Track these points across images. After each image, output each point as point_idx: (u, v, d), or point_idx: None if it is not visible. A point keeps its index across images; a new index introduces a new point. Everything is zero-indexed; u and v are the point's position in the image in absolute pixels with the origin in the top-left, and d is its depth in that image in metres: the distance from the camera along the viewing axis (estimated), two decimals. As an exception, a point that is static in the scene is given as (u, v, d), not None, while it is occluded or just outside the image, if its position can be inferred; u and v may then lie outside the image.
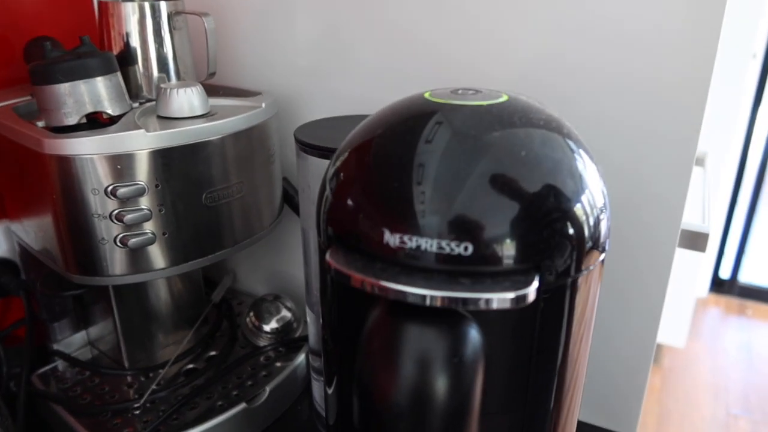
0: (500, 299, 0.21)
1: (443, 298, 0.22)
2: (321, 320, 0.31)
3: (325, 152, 0.38)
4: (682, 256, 1.65)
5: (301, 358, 0.55)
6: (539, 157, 0.24)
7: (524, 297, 0.22)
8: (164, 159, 0.40)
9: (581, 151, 0.26)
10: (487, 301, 0.21)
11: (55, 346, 0.53)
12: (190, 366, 0.53)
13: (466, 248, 0.22)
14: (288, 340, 0.56)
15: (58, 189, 0.38)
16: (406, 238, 0.23)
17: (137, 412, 0.47)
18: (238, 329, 0.58)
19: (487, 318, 0.23)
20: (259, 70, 0.54)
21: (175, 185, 0.41)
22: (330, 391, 0.31)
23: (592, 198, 0.25)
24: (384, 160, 0.24)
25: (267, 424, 0.51)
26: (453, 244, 0.22)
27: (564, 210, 0.23)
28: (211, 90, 0.48)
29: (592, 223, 0.25)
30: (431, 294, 0.22)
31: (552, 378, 0.26)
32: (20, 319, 0.55)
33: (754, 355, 2.16)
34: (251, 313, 0.56)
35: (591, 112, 0.42)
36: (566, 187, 0.24)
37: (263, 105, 0.46)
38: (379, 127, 0.26)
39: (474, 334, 0.23)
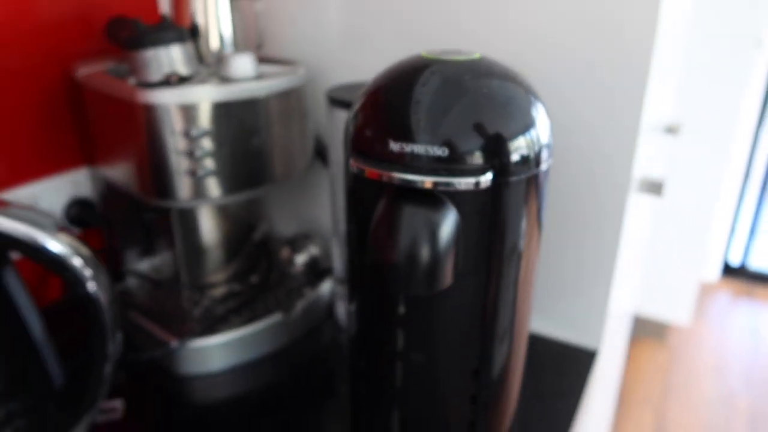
0: (466, 183, 0.32)
1: (429, 182, 0.32)
2: (347, 224, 0.42)
3: (349, 105, 0.49)
4: (686, 237, 1.76)
5: (327, 285, 0.66)
6: (496, 95, 0.34)
7: (481, 183, 0.32)
8: (223, 109, 0.51)
9: (528, 94, 0.36)
10: (458, 183, 0.32)
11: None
12: (236, 288, 0.65)
13: (444, 151, 0.33)
14: (317, 270, 0.67)
15: (144, 131, 0.50)
16: (404, 145, 0.33)
17: (196, 316, 0.59)
18: (274, 263, 0.69)
19: (458, 200, 0.34)
20: (298, 45, 0.65)
21: (231, 131, 0.52)
22: (352, 307, 0.41)
23: (532, 124, 0.35)
24: (390, 95, 0.35)
25: (298, 335, 0.62)
26: (435, 149, 0.33)
27: (513, 130, 0.34)
28: (260, 59, 0.59)
29: (534, 143, 0.35)
30: (421, 179, 0.32)
31: (508, 249, 0.36)
32: (100, 248, 0.68)
33: (759, 337, 2.22)
34: (286, 248, 0.68)
35: (561, 78, 0.52)
36: (513, 115, 0.34)
37: (300, 71, 0.57)
38: (388, 75, 0.37)
39: (450, 211, 0.34)
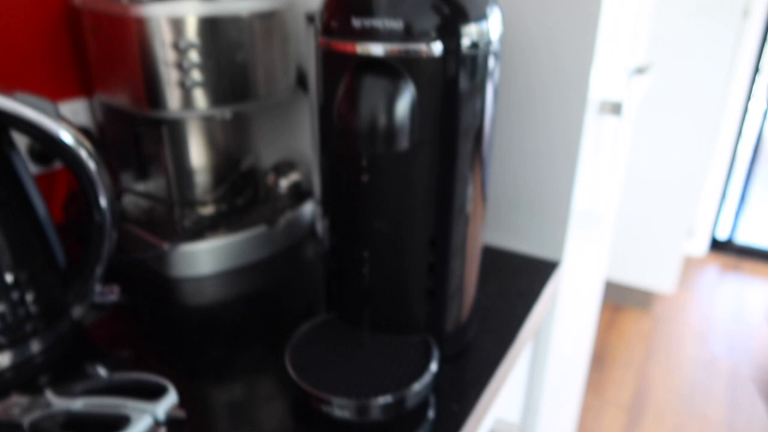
0: (421, 50, 0.37)
1: (385, 49, 0.37)
2: (318, 106, 0.46)
3: (325, 17, 0.53)
4: (672, 208, 1.83)
5: (309, 206, 0.70)
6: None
7: (431, 50, 0.37)
8: (209, 25, 0.55)
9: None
10: (415, 51, 0.37)
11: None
12: (224, 208, 0.69)
13: (399, 23, 0.37)
14: (300, 192, 0.71)
15: (136, 44, 0.54)
16: (364, 20, 0.38)
17: (186, 225, 0.63)
18: (260, 189, 0.74)
19: (414, 71, 0.38)
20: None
21: (218, 45, 0.56)
22: (326, 224, 0.46)
23: (480, 8, 0.39)
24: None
25: (281, 248, 0.67)
26: (392, 21, 0.37)
27: (461, 10, 0.38)
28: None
29: (481, 25, 0.39)
30: (379, 46, 0.37)
31: (462, 122, 0.40)
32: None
33: (743, 307, 2.27)
34: (271, 174, 0.72)
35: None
36: (464, 0, 0.39)
37: (282, -4, 0.62)
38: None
39: (406, 81, 0.38)
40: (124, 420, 0.41)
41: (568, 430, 1.11)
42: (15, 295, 0.45)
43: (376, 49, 0.37)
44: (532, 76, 0.59)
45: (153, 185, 0.72)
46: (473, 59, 0.40)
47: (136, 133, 0.64)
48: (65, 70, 0.69)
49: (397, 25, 0.37)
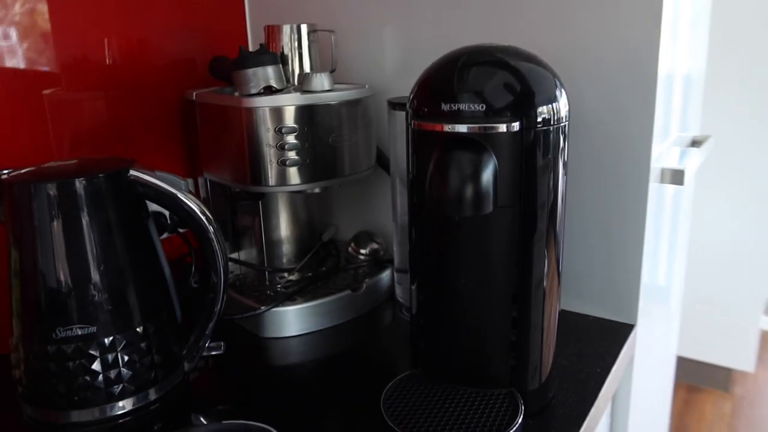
0: (500, 128, 0.43)
1: (472, 128, 0.43)
2: (408, 184, 0.52)
3: (404, 107, 0.61)
4: (739, 283, 1.81)
5: (387, 272, 0.76)
6: (522, 70, 0.45)
7: (512, 127, 0.43)
8: (306, 112, 0.64)
9: (550, 74, 0.47)
10: (495, 128, 0.43)
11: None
12: (309, 274, 0.75)
13: (481, 107, 0.44)
14: (379, 260, 0.77)
15: (245, 130, 0.63)
16: (452, 104, 0.44)
17: (278, 289, 0.70)
18: (341, 258, 0.80)
19: (496, 144, 0.44)
20: (363, 70, 0.79)
21: (313, 129, 0.64)
22: (414, 286, 0.51)
23: (550, 92, 0.45)
24: (441, 72, 0.47)
25: (364, 311, 0.72)
26: (475, 105, 0.44)
27: (536, 95, 0.44)
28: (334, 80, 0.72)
29: (553, 106, 0.45)
30: (468, 126, 0.43)
31: (537, 186, 0.45)
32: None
33: (833, 387, 2.11)
34: (352, 243, 0.78)
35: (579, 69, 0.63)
36: (535, 85, 0.45)
37: (366, 87, 0.70)
38: (440, 59, 0.48)
39: (489, 154, 0.44)
40: (239, 459, 0.45)
41: None
42: (144, 345, 0.51)
43: (461, 128, 0.44)
44: (599, 148, 0.64)
45: (245, 254, 0.80)
46: (545, 134, 0.45)
47: (234, 207, 0.72)
48: (179, 153, 0.79)
49: (480, 108, 0.44)
